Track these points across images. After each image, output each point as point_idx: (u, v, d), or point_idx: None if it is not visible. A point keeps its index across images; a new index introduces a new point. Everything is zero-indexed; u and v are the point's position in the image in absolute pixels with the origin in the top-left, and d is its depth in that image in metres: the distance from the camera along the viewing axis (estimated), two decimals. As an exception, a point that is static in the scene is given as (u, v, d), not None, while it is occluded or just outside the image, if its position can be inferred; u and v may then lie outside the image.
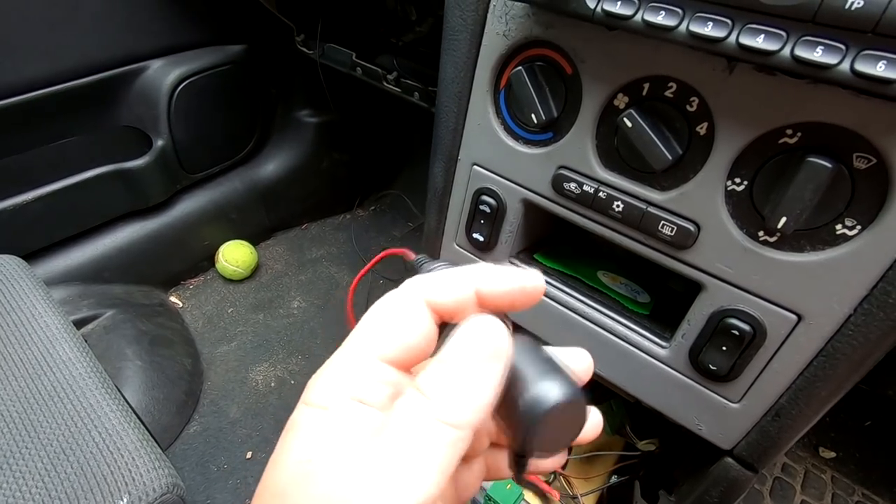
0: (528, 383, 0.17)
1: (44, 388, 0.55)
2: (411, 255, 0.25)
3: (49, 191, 0.96)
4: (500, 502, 0.58)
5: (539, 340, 0.19)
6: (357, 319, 0.20)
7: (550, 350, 0.20)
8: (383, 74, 1.00)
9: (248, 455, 0.96)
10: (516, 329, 0.20)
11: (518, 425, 0.17)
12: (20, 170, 0.94)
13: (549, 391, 0.17)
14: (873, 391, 0.66)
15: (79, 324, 1.00)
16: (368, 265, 0.33)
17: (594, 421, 0.22)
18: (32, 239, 0.98)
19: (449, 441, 0.16)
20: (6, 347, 0.58)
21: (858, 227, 0.35)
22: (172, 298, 1.21)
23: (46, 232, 1.00)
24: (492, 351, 0.17)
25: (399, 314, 0.19)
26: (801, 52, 0.30)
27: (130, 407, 0.56)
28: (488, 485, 0.63)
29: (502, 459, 0.24)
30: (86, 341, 0.62)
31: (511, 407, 0.18)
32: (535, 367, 0.18)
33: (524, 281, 0.20)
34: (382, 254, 0.33)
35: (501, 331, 0.18)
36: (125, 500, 0.47)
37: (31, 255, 0.99)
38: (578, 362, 0.23)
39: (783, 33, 0.30)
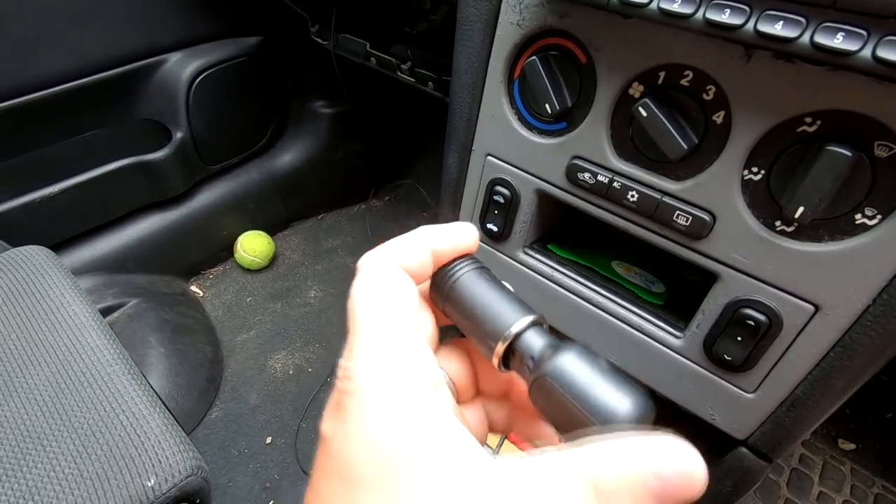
0: (605, 399, 0.17)
1: (73, 374, 0.57)
2: None
3: (73, 183, 0.98)
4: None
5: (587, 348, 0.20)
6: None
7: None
8: (397, 64, 1.00)
9: (268, 440, 0.98)
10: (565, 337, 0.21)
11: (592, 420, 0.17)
12: (46, 163, 0.96)
13: (622, 404, 0.17)
14: (895, 382, 0.65)
15: (104, 312, 1.03)
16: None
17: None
18: (59, 230, 1.01)
19: None
20: (37, 335, 0.61)
21: (879, 216, 0.34)
22: (193, 288, 1.24)
23: (72, 223, 1.03)
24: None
25: (389, 285, 0.20)
26: (821, 39, 0.29)
27: (155, 392, 0.58)
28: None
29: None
30: (111, 329, 0.64)
31: (579, 422, 0.17)
32: (604, 377, 0.18)
33: (463, 238, 0.23)
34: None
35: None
36: (153, 480, 0.49)
37: (58, 246, 1.02)
38: (462, 237, 0.24)
39: (802, 20, 0.30)
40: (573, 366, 0.18)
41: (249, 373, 1.09)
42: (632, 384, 0.18)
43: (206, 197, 1.21)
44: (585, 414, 0.17)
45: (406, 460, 0.15)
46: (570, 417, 0.18)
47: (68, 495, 0.48)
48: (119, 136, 1.04)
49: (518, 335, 0.20)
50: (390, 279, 0.20)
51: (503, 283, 0.23)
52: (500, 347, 0.20)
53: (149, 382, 0.59)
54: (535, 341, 0.20)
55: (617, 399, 0.17)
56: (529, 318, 0.20)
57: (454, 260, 0.23)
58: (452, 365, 0.24)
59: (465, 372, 0.24)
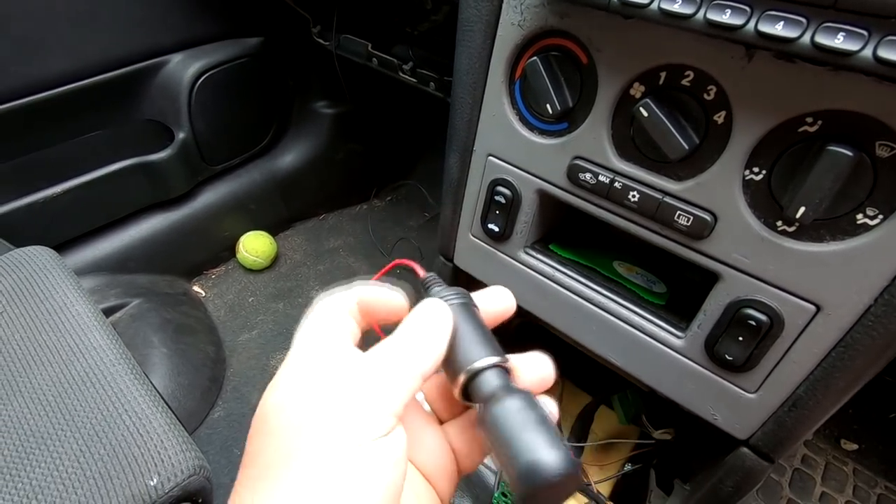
0: (527, 448, 0.18)
1: (77, 374, 0.57)
2: (420, 272, 0.27)
3: (76, 184, 0.98)
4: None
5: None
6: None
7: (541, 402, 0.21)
8: (399, 65, 1.00)
9: (270, 440, 0.98)
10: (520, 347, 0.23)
11: (514, 485, 0.18)
12: (49, 164, 0.97)
13: (547, 462, 0.18)
14: (897, 383, 0.65)
15: (107, 312, 1.03)
16: (380, 273, 0.35)
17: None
18: (62, 230, 1.02)
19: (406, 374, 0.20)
20: (41, 334, 0.61)
21: (880, 216, 0.34)
22: (195, 288, 1.24)
23: (74, 224, 1.03)
24: (432, 321, 0.22)
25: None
26: (822, 39, 0.29)
27: (158, 392, 0.58)
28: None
29: None
30: (114, 329, 0.64)
31: (507, 464, 0.19)
32: (535, 427, 0.19)
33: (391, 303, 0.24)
34: (391, 264, 0.34)
35: (440, 308, 0.23)
36: (155, 479, 0.49)
37: (61, 246, 1.02)
38: (499, 302, 0.26)
39: (803, 20, 0.30)
40: (512, 413, 0.20)
41: (251, 373, 1.09)
42: (559, 442, 0.19)
43: (208, 197, 1.21)
44: (511, 459, 0.19)
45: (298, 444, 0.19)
46: (501, 458, 0.19)
47: (72, 494, 0.48)
48: (121, 136, 1.05)
49: (479, 372, 0.22)
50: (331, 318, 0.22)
51: (481, 321, 0.24)
52: (462, 379, 0.22)
53: (151, 382, 0.59)
54: (492, 381, 0.22)
55: (540, 451, 0.18)
56: (494, 360, 0.22)
57: (447, 293, 0.24)
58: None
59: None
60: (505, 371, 0.22)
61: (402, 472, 0.19)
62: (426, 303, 0.23)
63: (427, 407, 0.26)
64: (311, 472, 0.18)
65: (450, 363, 0.23)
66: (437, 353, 0.22)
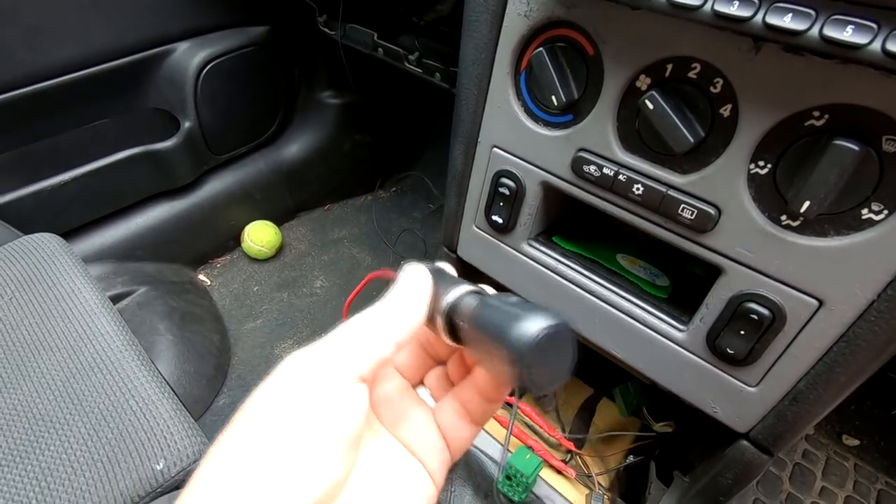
0: (510, 323, 0.18)
1: (84, 360, 0.58)
2: (391, 275, 0.27)
3: (83, 172, 0.99)
4: (521, 470, 0.60)
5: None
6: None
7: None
8: (404, 55, 1.00)
9: (274, 427, 0.99)
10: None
11: (510, 365, 0.18)
12: (56, 152, 0.97)
13: (530, 322, 0.17)
14: (900, 379, 0.65)
15: (114, 299, 1.04)
16: (355, 291, 0.36)
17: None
18: (69, 218, 1.02)
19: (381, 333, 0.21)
20: (49, 320, 0.62)
21: (885, 211, 0.34)
22: (201, 276, 1.25)
23: (82, 211, 1.04)
24: (412, 284, 0.23)
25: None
26: (831, 32, 0.29)
27: (164, 379, 0.59)
28: (508, 456, 0.64)
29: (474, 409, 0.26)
30: (121, 316, 0.65)
31: (500, 353, 0.18)
32: (516, 305, 0.19)
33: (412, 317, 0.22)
34: (365, 281, 0.35)
35: (420, 273, 0.23)
36: (161, 463, 0.50)
37: (69, 234, 1.03)
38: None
39: (812, 12, 0.29)
40: (484, 307, 0.19)
41: (256, 361, 1.10)
42: (538, 308, 0.18)
43: (214, 186, 1.21)
44: (501, 342, 0.18)
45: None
46: (490, 354, 0.18)
47: (80, 477, 0.49)
48: (128, 125, 1.05)
49: (455, 303, 0.21)
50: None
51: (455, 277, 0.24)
52: (443, 313, 0.22)
53: (157, 369, 0.60)
54: (470, 301, 0.21)
55: (526, 318, 0.17)
56: (467, 288, 0.22)
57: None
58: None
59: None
60: (480, 294, 0.22)
61: (354, 429, 0.20)
62: (406, 270, 0.23)
63: (432, 402, 0.27)
64: (264, 411, 0.20)
65: (433, 319, 0.23)
66: (410, 320, 0.22)
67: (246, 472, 0.18)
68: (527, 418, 0.71)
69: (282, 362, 0.21)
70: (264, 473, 0.18)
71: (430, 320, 0.23)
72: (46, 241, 0.71)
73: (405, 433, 0.25)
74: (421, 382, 0.28)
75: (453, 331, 0.22)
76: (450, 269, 0.26)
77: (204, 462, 0.19)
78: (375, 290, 0.27)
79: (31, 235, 0.72)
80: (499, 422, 0.69)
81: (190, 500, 0.18)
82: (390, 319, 0.22)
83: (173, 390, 0.58)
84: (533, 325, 0.17)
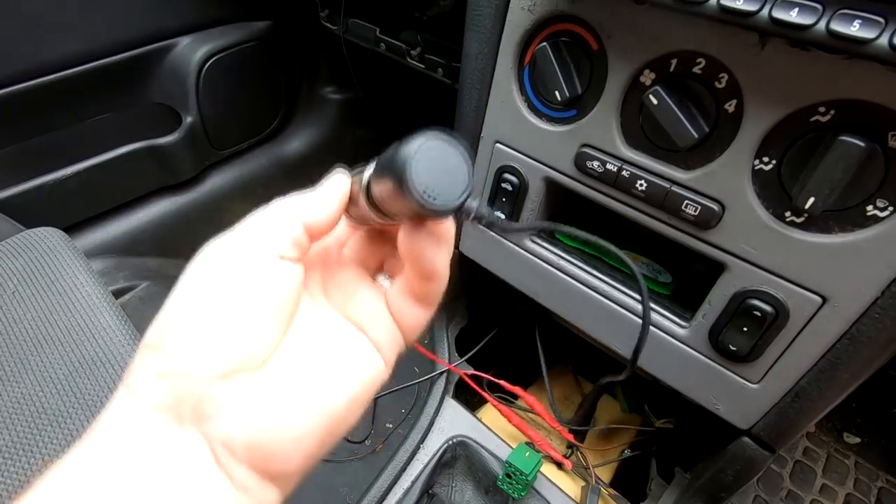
0: (394, 154, 0.19)
1: (87, 354, 0.58)
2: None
3: (85, 166, 0.99)
4: (521, 468, 0.60)
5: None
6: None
7: None
8: (407, 50, 1.00)
9: (276, 422, 1.00)
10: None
11: (404, 192, 0.18)
12: (58, 146, 0.97)
13: (406, 145, 0.18)
14: (902, 377, 0.65)
15: (116, 294, 1.04)
16: None
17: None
18: (71, 212, 1.02)
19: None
20: (52, 315, 0.62)
21: (890, 208, 0.34)
22: (203, 272, 1.25)
23: (84, 206, 1.04)
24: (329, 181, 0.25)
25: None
26: (837, 26, 0.29)
27: (166, 373, 0.59)
28: (507, 454, 0.64)
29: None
30: (123, 311, 0.65)
31: (398, 193, 0.19)
32: (395, 147, 0.20)
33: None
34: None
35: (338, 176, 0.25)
36: (164, 458, 0.50)
37: (71, 229, 1.03)
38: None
39: (818, 6, 0.29)
40: (378, 160, 0.21)
41: (257, 356, 1.10)
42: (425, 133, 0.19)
43: (216, 182, 1.21)
44: (390, 177, 0.18)
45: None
46: (393, 195, 0.19)
47: (83, 470, 0.49)
48: (130, 119, 1.05)
49: (368, 179, 0.22)
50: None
51: None
52: (362, 198, 0.23)
53: (160, 363, 0.60)
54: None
55: (403, 146, 0.18)
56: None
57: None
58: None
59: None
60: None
61: (285, 298, 0.22)
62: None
63: (387, 285, 0.27)
64: (187, 286, 0.22)
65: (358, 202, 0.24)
66: (323, 203, 0.24)
67: (171, 340, 0.20)
68: (529, 409, 0.71)
69: (203, 248, 0.23)
70: (186, 340, 0.20)
71: (356, 204, 0.24)
72: (49, 236, 0.71)
73: (354, 311, 0.25)
74: (381, 269, 0.28)
75: (373, 203, 0.22)
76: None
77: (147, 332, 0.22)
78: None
79: (33, 230, 0.72)
80: (500, 411, 0.69)
81: (118, 391, 0.21)
82: (303, 203, 0.24)
83: (175, 385, 0.58)
84: (409, 145, 0.18)
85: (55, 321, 0.61)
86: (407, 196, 0.18)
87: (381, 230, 0.27)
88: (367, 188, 0.22)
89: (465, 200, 0.19)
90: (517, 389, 0.70)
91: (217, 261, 0.22)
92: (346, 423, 0.23)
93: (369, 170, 0.23)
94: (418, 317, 0.26)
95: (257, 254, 0.22)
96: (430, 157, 0.18)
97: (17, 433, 0.52)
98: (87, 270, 0.67)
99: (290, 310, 0.22)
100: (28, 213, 0.92)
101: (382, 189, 0.20)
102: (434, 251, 0.23)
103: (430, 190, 0.18)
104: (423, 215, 0.19)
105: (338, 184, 0.24)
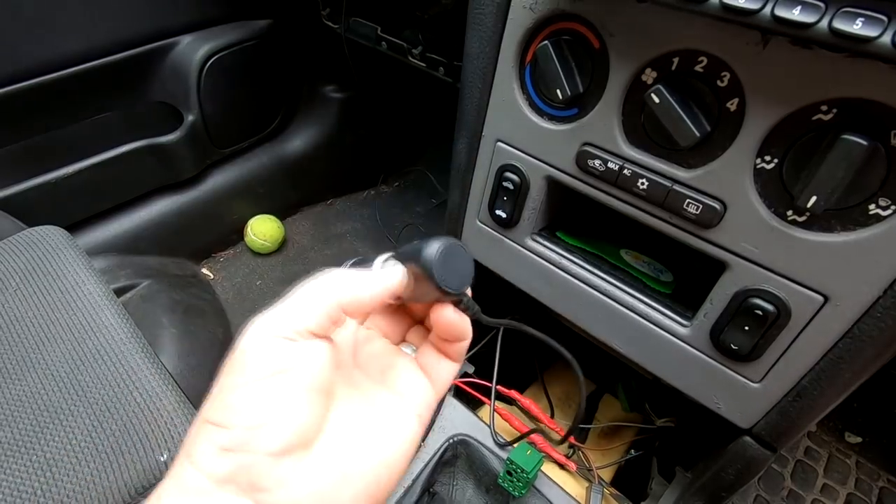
0: (418, 249, 0.24)
1: (89, 352, 0.58)
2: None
3: (87, 165, 0.99)
4: (522, 466, 0.60)
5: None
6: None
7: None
8: (408, 49, 1.00)
9: (277, 421, 1.00)
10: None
11: (429, 280, 0.24)
12: (60, 145, 0.97)
13: (430, 246, 0.24)
14: (904, 376, 0.65)
15: (118, 292, 1.04)
16: None
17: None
18: (73, 211, 1.03)
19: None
20: (54, 312, 0.62)
21: (893, 207, 0.34)
22: (204, 270, 1.25)
23: (86, 204, 1.04)
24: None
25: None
26: (840, 25, 0.29)
27: (168, 371, 0.59)
28: (509, 452, 0.65)
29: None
30: (125, 309, 0.65)
31: (420, 280, 0.25)
32: (417, 244, 0.25)
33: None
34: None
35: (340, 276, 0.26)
36: (165, 455, 0.51)
37: (73, 227, 1.03)
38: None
39: (821, 4, 0.29)
40: (398, 250, 0.26)
41: (259, 355, 1.11)
42: (434, 237, 0.24)
43: (217, 180, 1.22)
44: (417, 262, 0.24)
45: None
46: (415, 282, 0.25)
47: (84, 468, 0.50)
48: (131, 118, 1.05)
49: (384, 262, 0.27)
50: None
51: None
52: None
53: (161, 362, 0.60)
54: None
55: (422, 246, 0.24)
56: (386, 255, 0.27)
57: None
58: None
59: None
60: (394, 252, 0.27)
61: (306, 383, 0.22)
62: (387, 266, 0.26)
63: (411, 349, 0.30)
64: (225, 374, 0.22)
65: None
66: (349, 290, 0.24)
67: (233, 418, 0.21)
68: (528, 411, 0.71)
69: (245, 328, 0.24)
70: (246, 419, 0.21)
71: None
72: (51, 234, 0.71)
73: (390, 379, 0.28)
74: (404, 340, 0.31)
75: None
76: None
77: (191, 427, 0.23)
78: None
79: (35, 228, 0.73)
80: (500, 415, 0.69)
81: (178, 462, 0.22)
82: (336, 286, 0.24)
83: (176, 383, 0.58)
84: (432, 246, 0.24)
85: (57, 319, 0.61)
86: (432, 286, 0.24)
87: (398, 307, 0.31)
88: None
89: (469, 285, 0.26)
90: (513, 393, 0.70)
91: (260, 339, 0.23)
92: (389, 487, 0.24)
93: (383, 260, 0.27)
94: (450, 370, 0.29)
95: (293, 333, 0.23)
96: (448, 256, 0.24)
97: (19, 430, 0.52)
98: (89, 268, 0.67)
99: (330, 386, 0.24)
100: (30, 211, 0.92)
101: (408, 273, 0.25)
102: (463, 321, 0.27)
103: (447, 278, 0.24)
104: (438, 298, 0.25)
105: (394, 275, 0.26)
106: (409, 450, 0.26)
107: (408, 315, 0.31)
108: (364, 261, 0.29)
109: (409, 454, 0.26)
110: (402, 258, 0.26)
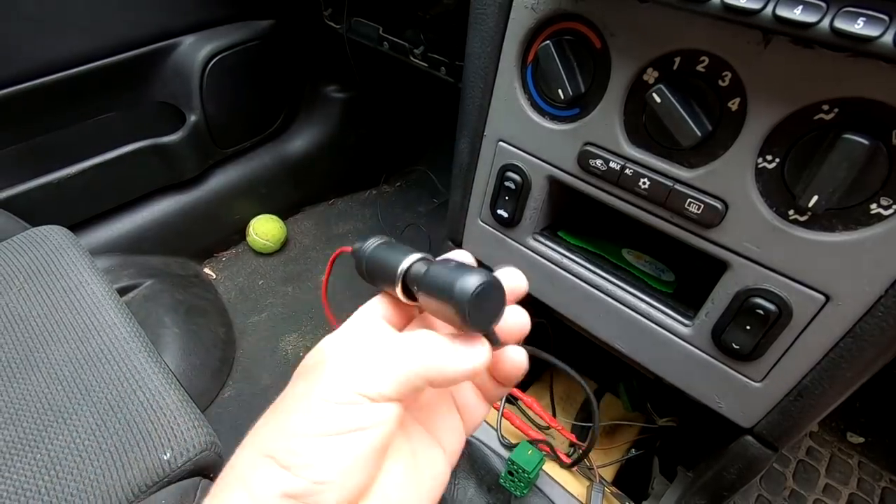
0: (452, 283, 0.22)
1: (92, 351, 0.59)
2: (348, 249, 0.30)
3: (90, 165, 1.00)
4: (523, 466, 0.60)
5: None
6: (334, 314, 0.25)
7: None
8: (410, 49, 1.00)
9: (279, 420, 1.00)
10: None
11: (457, 311, 0.22)
12: (63, 145, 0.98)
13: (467, 281, 0.22)
14: (906, 376, 0.65)
15: (121, 292, 1.05)
16: (328, 268, 0.38)
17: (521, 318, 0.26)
18: (76, 211, 1.03)
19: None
20: (57, 312, 0.62)
21: (894, 206, 0.34)
22: (206, 270, 1.25)
23: (89, 204, 1.04)
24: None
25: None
26: (841, 24, 0.29)
27: (171, 370, 0.60)
28: (510, 452, 0.65)
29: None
30: (128, 308, 0.66)
31: (447, 304, 0.22)
32: (456, 268, 0.23)
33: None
34: (335, 254, 0.37)
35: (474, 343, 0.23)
36: (168, 454, 0.51)
37: (76, 227, 1.04)
38: (511, 279, 0.27)
39: (822, 4, 0.29)
40: (436, 270, 0.23)
41: (261, 354, 1.11)
42: (473, 268, 0.22)
43: (220, 180, 1.22)
44: (447, 296, 0.22)
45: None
46: (440, 307, 0.23)
47: (88, 466, 0.50)
48: (134, 118, 1.06)
49: (407, 270, 0.25)
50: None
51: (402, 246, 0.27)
52: (398, 286, 0.25)
53: (164, 361, 0.61)
54: (420, 268, 0.25)
55: (457, 280, 0.22)
56: (416, 256, 0.25)
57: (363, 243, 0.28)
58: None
59: None
60: (427, 260, 0.25)
61: (389, 430, 0.21)
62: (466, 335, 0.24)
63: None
64: (300, 415, 0.21)
65: (392, 282, 0.26)
66: (441, 364, 0.22)
67: (300, 465, 0.20)
68: (529, 410, 0.71)
69: (319, 362, 0.23)
70: (314, 468, 0.20)
71: (389, 284, 0.26)
72: (54, 234, 0.72)
73: (431, 420, 0.27)
74: None
75: (408, 291, 0.25)
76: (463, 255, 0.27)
77: (233, 457, 0.22)
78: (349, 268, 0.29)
79: (38, 228, 0.73)
80: (504, 416, 0.70)
81: (231, 487, 0.21)
82: (428, 356, 0.22)
83: (179, 382, 0.59)
84: (469, 283, 0.21)
85: (60, 318, 0.62)
86: (460, 322, 0.22)
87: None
88: (404, 283, 0.25)
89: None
90: (515, 391, 0.71)
91: (339, 390, 0.21)
92: None
93: (405, 261, 0.25)
94: (483, 413, 0.28)
95: (376, 394, 0.21)
96: (480, 295, 0.22)
97: (23, 428, 0.52)
98: (92, 268, 0.68)
99: (392, 441, 0.23)
100: (34, 211, 0.92)
101: (431, 300, 0.23)
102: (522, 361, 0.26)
103: (476, 318, 0.22)
104: (459, 327, 0.23)
105: (483, 354, 0.23)
106: (440, 492, 0.26)
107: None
108: (387, 242, 0.27)
109: (439, 496, 0.26)
110: (432, 280, 0.23)
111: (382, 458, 0.22)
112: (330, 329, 0.26)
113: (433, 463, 0.26)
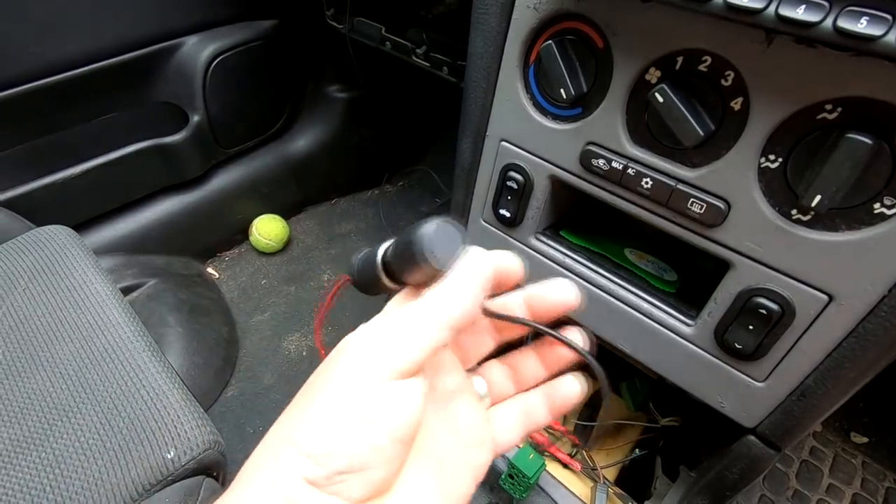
0: (410, 234, 0.23)
1: (96, 350, 0.59)
2: (347, 278, 0.30)
3: (94, 165, 1.00)
4: (524, 470, 0.60)
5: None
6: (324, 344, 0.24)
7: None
8: (412, 48, 1.00)
9: (282, 419, 1.00)
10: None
11: (420, 258, 0.23)
12: (67, 145, 0.98)
13: (416, 229, 0.23)
14: (910, 376, 0.64)
15: (124, 291, 1.05)
16: (329, 297, 0.38)
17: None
18: (80, 210, 1.04)
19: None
20: (61, 311, 0.63)
21: (898, 206, 0.34)
22: (209, 269, 1.26)
23: (92, 204, 1.05)
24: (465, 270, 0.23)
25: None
26: (844, 24, 0.29)
27: (174, 370, 0.60)
28: (512, 454, 0.65)
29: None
30: (131, 308, 0.66)
31: (411, 255, 0.23)
32: (409, 230, 0.24)
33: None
34: (336, 286, 0.37)
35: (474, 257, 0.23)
36: (172, 452, 0.51)
37: (80, 226, 1.04)
38: (561, 292, 0.27)
39: (825, 3, 0.29)
40: (394, 242, 0.25)
41: (264, 353, 1.11)
42: (425, 220, 0.23)
43: (223, 180, 1.22)
44: (410, 251, 0.23)
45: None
46: (408, 263, 0.24)
47: (92, 465, 0.50)
48: (137, 119, 1.06)
49: (383, 256, 0.26)
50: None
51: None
52: (382, 274, 0.26)
53: (168, 360, 0.61)
54: (385, 245, 0.26)
55: (417, 229, 0.23)
56: (388, 243, 0.26)
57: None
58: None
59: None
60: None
61: (412, 418, 0.21)
62: (468, 253, 0.24)
63: (483, 389, 0.28)
64: (321, 402, 0.21)
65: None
66: (461, 304, 0.22)
67: (307, 460, 0.20)
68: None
69: (341, 349, 0.23)
70: (326, 469, 0.20)
71: (378, 279, 0.26)
72: (58, 234, 0.72)
73: (462, 431, 0.25)
74: (478, 364, 0.29)
75: (392, 276, 0.26)
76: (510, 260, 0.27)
77: (253, 455, 0.22)
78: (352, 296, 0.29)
79: (42, 227, 0.73)
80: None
81: (255, 474, 0.21)
82: (438, 307, 0.22)
83: (183, 381, 0.59)
84: (424, 227, 0.23)
85: (65, 317, 0.62)
86: (424, 264, 0.23)
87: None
88: (385, 266, 0.26)
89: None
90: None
91: (364, 376, 0.21)
92: None
93: (380, 249, 0.26)
94: (516, 439, 0.27)
95: (398, 373, 0.21)
96: (439, 234, 0.23)
97: (28, 427, 0.53)
98: (96, 268, 0.68)
99: (416, 432, 0.22)
100: (38, 211, 0.93)
101: (401, 263, 0.24)
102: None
103: (441, 255, 0.23)
104: (426, 275, 0.24)
105: (476, 279, 0.23)
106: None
107: (484, 332, 0.28)
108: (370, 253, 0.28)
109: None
110: (396, 248, 0.25)
111: (406, 450, 0.22)
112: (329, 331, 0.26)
113: (460, 473, 0.25)
